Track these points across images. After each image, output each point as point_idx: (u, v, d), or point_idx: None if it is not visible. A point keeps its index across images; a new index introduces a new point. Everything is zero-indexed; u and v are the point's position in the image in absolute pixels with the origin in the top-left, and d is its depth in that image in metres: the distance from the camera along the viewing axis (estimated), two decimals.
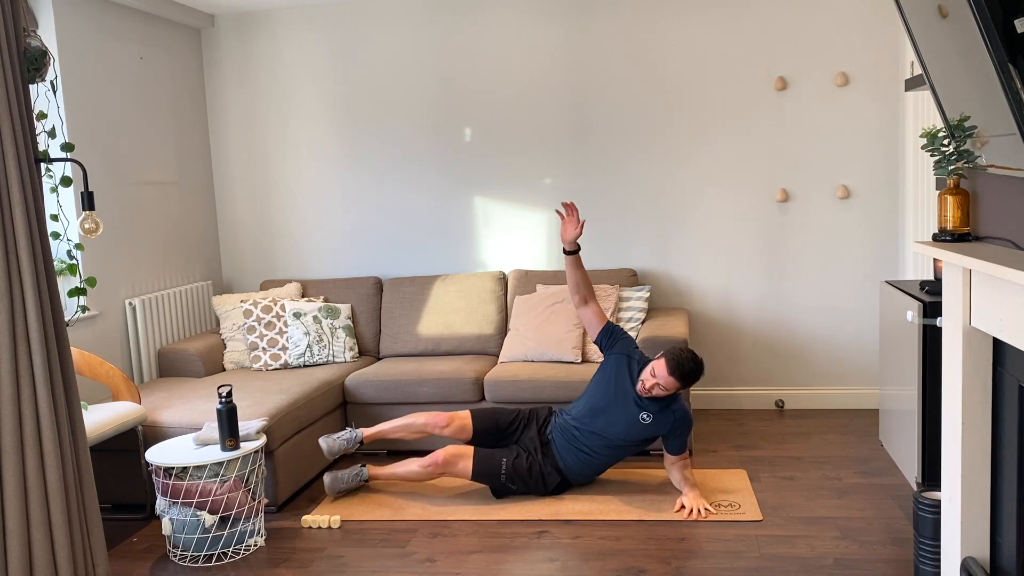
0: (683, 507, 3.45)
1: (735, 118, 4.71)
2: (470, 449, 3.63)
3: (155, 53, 4.69)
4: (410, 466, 3.70)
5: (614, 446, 3.58)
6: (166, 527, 3.22)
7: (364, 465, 3.83)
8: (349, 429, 3.82)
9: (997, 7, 1.92)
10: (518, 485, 3.61)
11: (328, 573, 3.09)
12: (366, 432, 3.83)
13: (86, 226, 2.97)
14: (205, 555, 3.23)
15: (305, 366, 4.50)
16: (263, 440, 3.37)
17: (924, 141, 2.71)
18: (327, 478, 3.72)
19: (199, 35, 5.11)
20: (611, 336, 3.70)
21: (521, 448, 3.67)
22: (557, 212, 3.79)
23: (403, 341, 4.73)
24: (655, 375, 3.45)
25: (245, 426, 3.41)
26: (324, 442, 3.75)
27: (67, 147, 3.14)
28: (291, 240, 5.19)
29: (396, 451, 4.23)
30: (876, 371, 4.76)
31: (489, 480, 3.62)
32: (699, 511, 3.40)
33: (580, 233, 3.67)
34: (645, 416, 3.52)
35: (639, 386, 3.51)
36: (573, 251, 3.70)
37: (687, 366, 3.42)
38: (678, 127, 4.76)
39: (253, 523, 3.32)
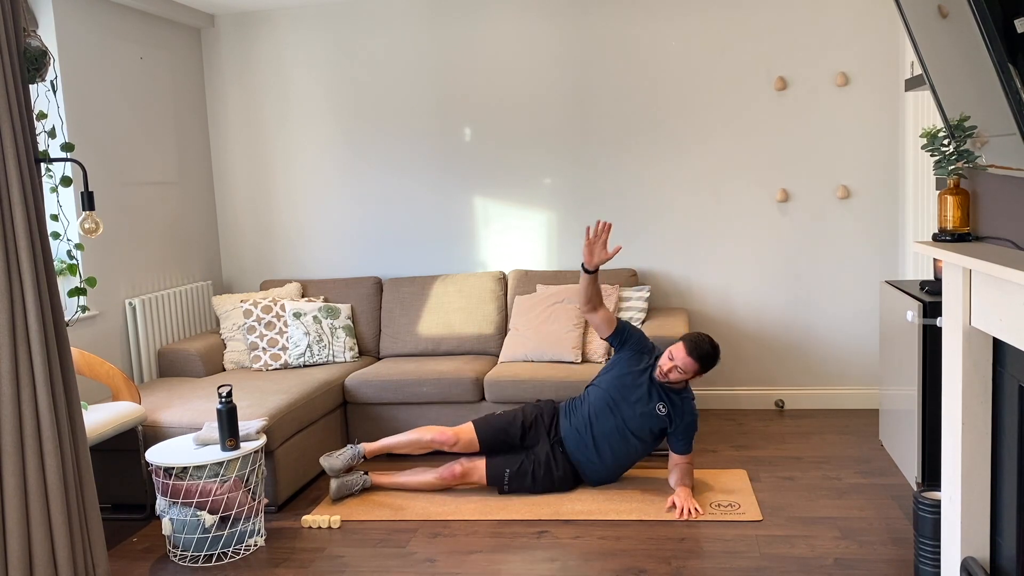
0: (673, 506, 3.46)
1: (735, 118, 4.70)
2: (483, 462, 3.71)
3: (155, 53, 4.69)
4: (425, 476, 3.75)
5: (632, 440, 3.61)
6: (166, 527, 3.22)
7: (367, 473, 3.82)
8: (351, 446, 3.79)
9: (997, 7, 1.92)
10: (525, 489, 3.68)
11: (328, 573, 3.09)
12: (368, 447, 3.81)
13: (86, 226, 2.97)
14: (205, 555, 3.23)
15: (305, 366, 4.50)
16: (263, 440, 3.37)
17: (924, 141, 2.71)
18: (333, 484, 3.72)
19: (199, 35, 5.11)
20: (622, 335, 3.71)
21: (531, 455, 3.69)
22: (588, 228, 3.65)
23: (403, 341, 4.73)
24: (673, 358, 3.53)
25: (245, 426, 3.41)
26: (326, 461, 3.72)
27: (67, 147, 3.14)
28: (291, 240, 5.19)
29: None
30: (876, 371, 4.76)
31: (498, 486, 3.72)
32: (689, 511, 3.41)
33: (609, 259, 3.62)
34: (661, 407, 3.58)
35: (656, 371, 3.57)
36: (594, 271, 3.64)
37: (704, 347, 3.52)
38: (678, 127, 4.76)
39: (253, 523, 3.32)
